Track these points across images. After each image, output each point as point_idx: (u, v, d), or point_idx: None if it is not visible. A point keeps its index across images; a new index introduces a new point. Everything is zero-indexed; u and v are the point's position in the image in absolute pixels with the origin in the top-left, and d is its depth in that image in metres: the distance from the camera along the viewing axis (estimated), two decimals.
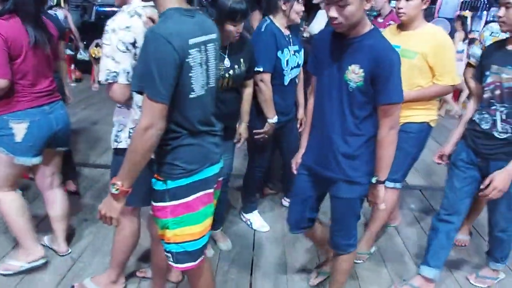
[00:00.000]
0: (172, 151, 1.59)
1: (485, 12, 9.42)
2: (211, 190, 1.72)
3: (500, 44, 2.21)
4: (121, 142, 1.88)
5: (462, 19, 6.86)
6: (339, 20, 1.66)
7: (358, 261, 2.76)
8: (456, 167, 2.37)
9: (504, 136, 2.14)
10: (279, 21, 2.68)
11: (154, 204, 1.67)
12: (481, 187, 2.17)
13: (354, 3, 1.62)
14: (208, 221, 1.75)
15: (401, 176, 2.67)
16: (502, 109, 2.14)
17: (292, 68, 2.75)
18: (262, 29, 2.64)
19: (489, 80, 2.18)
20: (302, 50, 2.84)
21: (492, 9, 9.51)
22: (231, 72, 2.40)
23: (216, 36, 1.68)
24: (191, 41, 1.49)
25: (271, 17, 2.69)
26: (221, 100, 2.43)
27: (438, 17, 8.30)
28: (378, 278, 2.67)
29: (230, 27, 2.24)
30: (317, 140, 1.98)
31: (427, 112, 2.56)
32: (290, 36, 2.73)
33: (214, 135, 1.72)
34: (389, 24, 3.44)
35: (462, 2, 8.96)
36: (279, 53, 2.65)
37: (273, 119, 2.74)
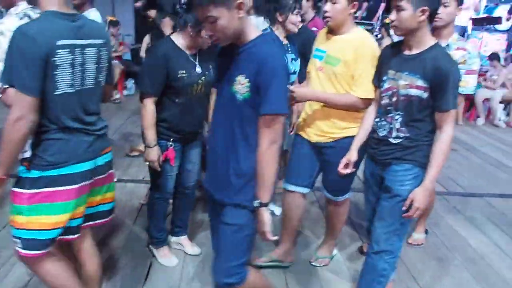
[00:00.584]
0: (41, 143, 1.69)
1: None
2: (76, 186, 1.78)
3: (396, 48, 2.09)
4: (25, 151, 1.85)
5: (385, 25, 7.08)
6: (215, 36, 1.61)
7: (321, 265, 2.84)
8: (366, 180, 2.34)
9: (398, 141, 2.06)
10: (277, 31, 2.81)
11: (13, 189, 1.75)
12: (403, 208, 2.04)
13: (223, 16, 1.54)
14: (66, 216, 1.79)
15: (349, 188, 2.65)
16: (397, 117, 2.04)
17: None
18: None
19: (386, 85, 2.08)
20: (299, 59, 2.97)
21: None
22: (203, 78, 2.48)
23: (102, 42, 1.79)
24: (60, 42, 1.61)
25: (271, 27, 2.83)
26: (192, 106, 2.50)
27: None
28: (340, 279, 2.75)
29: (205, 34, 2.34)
30: (211, 158, 1.83)
31: (358, 123, 2.37)
32: (289, 45, 2.87)
33: (88, 134, 1.80)
34: (312, 31, 3.51)
35: None
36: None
37: None
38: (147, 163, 2.51)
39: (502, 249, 3.24)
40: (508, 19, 9.46)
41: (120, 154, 4.46)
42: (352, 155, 2.31)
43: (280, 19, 2.75)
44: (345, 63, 2.27)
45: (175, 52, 2.40)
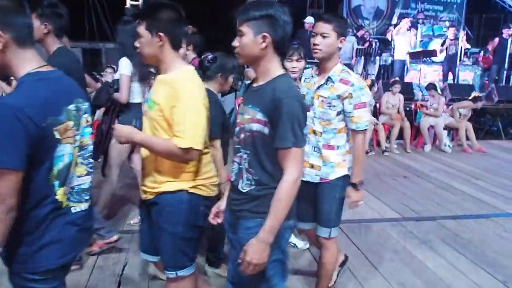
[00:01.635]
0: None
1: (378, 57, 10.44)
2: None
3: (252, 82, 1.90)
4: None
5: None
6: None
7: None
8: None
9: (247, 189, 1.78)
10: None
11: None
12: (238, 261, 1.73)
13: None
14: None
15: (176, 263, 2.06)
16: (245, 156, 1.78)
17: None
18: None
19: (238, 121, 1.85)
20: None
21: (383, 54, 10.60)
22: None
23: None
24: None
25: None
26: None
27: None
28: None
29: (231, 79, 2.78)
30: None
31: (182, 176, 2.00)
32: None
33: None
34: None
35: (356, 49, 9.86)
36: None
37: None
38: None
39: (459, 269, 3.33)
40: (441, 51, 10.15)
41: None
42: (223, 203, 2.00)
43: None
44: (159, 106, 1.93)
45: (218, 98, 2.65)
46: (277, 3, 1.74)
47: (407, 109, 8.25)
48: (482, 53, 11.27)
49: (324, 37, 2.33)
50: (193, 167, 2.00)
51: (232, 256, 1.95)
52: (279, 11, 1.70)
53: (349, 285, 3.03)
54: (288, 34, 1.76)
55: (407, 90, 8.76)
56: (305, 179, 2.40)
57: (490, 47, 10.88)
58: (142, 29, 1.93)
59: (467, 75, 10.58)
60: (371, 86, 7.55)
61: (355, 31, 10.66)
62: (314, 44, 2.36)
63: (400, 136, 7.68)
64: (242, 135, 1.80)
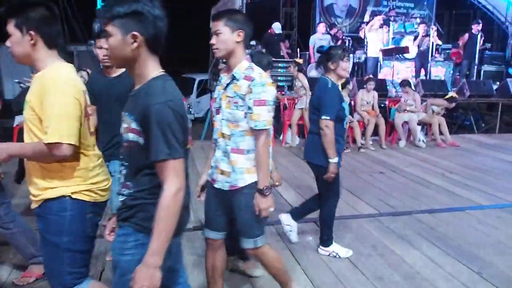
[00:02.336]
0: None
1: (351, 55, 10.53)
2: None
3: None
4: None
5: (297, 64, 7.71)
6: None
7: None
8: None
9: (122, 198, 1.67)
10: (333, 79, 3.16)
11: None
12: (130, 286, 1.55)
13: None
14: None
15: (62, 281, 1.94)
16: (123, 168, 1.68)
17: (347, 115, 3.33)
18: (329, 85, 3.16)
19: (121, 131, 1.68)
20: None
21: (357, 52, 10.70)
22: None
23: None
24: None
25: (327, 75, 3.23)
26: None
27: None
28: None
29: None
30: None
31: (64, 182, 1.88)
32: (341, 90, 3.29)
33: None
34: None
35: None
36: (343, 104, 3.18)
37: (333, 159, 3.15)
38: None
39: (435, 261, 3.37)
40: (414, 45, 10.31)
41: None
42: (112, 221, 1.89)
43: (332, 67, 3.16)
44: (30, 104, 1.86)
45: None
46: None
47: (381, 105, 8.35)
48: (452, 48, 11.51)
49: (217, 34, 2.21)
50: (75, 171, 1.89)
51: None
52: (147, 6, 1.55)
53: (328, 281, 3.04)
54: (161, 30, 1.60)
55: (381, 87, 8.87)
56: (217, 186, 2.29)
57: (460, 43, 11.10)
58: (11, 28, 1.85)
59: (439, 70, 10.78)
60: (345, 84, 7.58)
61: (328, 30, 10.74)
62: (212, 45, 2.24)
63: (375, 132, 7.77)
64: (123, 146, 1.66)
